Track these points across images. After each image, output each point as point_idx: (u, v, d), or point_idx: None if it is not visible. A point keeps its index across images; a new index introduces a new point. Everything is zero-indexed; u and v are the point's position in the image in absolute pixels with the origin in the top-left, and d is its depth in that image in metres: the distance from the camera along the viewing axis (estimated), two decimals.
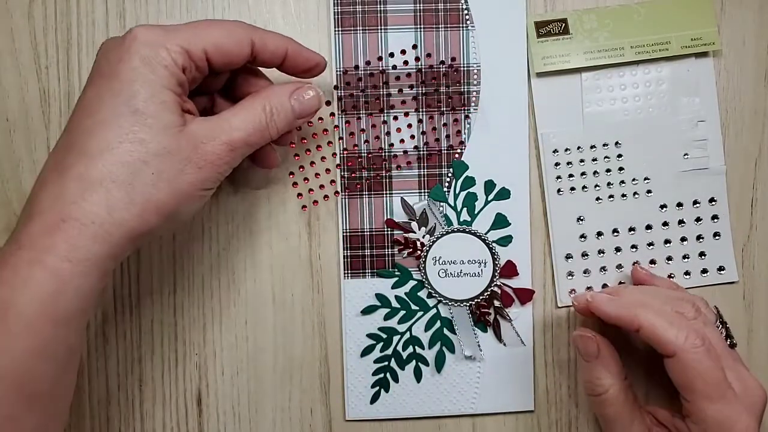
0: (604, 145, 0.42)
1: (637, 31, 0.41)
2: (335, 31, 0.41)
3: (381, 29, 0.41)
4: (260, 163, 0.39)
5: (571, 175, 0.42)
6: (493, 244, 0.42)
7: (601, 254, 0.42)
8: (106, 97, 0.31)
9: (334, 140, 0.42)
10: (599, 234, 0.42)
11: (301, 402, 0.43)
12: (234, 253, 0.42)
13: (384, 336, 0.42)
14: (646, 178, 0.42)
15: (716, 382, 0.34)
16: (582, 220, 0.42)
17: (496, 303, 0.42)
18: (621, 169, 0.42)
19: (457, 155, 0.42)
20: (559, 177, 0.42)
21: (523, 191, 0.42)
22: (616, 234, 0.42)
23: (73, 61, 0.41)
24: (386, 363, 0.42)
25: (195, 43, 0.32)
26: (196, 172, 0.32)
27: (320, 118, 0.41)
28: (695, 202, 0.42)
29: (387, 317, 0.42)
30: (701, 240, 0.42)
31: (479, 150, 0.42)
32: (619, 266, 0.42)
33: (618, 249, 0.42)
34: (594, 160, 0.42)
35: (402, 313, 0.42)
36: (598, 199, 0.42)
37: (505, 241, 0.42)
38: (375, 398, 0.42)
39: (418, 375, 0.42)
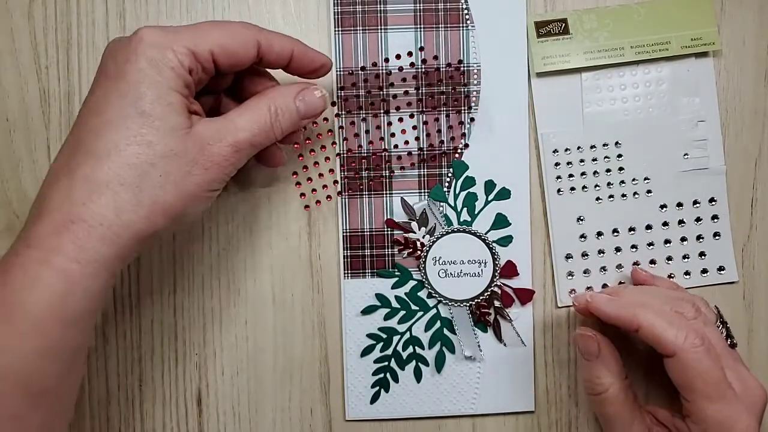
0: (604, 145, 0.42)
1: (637, 31, 0.41)
2: (335, 31, 0.41)
3: (381, 29, 0.41)
4: (266, 162, 0.39)
5: (571, 175, 0.42)
6: (493, 244, 0.42)
7: (601, 254, 0.42)
8: (113, 98, 0.31)
9: (338, 141, 0.42)
10: (599, 234, 0.42)
11: (301, 402, 0.43)
12: (234, 253, 0.42)
13: (384, 336, 0.42)
14: (646, 178, 0.42)
15: (716, 382, 0.34)
16: (582, 220, 0.42)
17: (497, 303, 0.42)
18: (621, 169, 0.42)
19: (457, 155, 0.42)
20: (559, 177, 0.42)
21: (523, 191, 0.42)
22: (616, 234, 0.42)
23: (73, 61, 0.41)
24: (386, 363, 0.42)
25: (201, 45, 0.32)
26: (202, 173, 0.32)
27: (325, 119, 0.41)
28: (695, 202, 0.42)
29: (387, 317, 0.42)
30: (701, 240, 0.42)
31: (479, 150, 0.42)
32: (619, 266, 0.42)
33: (618, 249, 0.42)
34: (594, 160, 0.42)
35: (402, 313, 0.42)
36: (598, 199, 0.42)
37: (506, 241, 0.42)
38: (375, 398, 0.42)
39: (418, 375, 0.42)
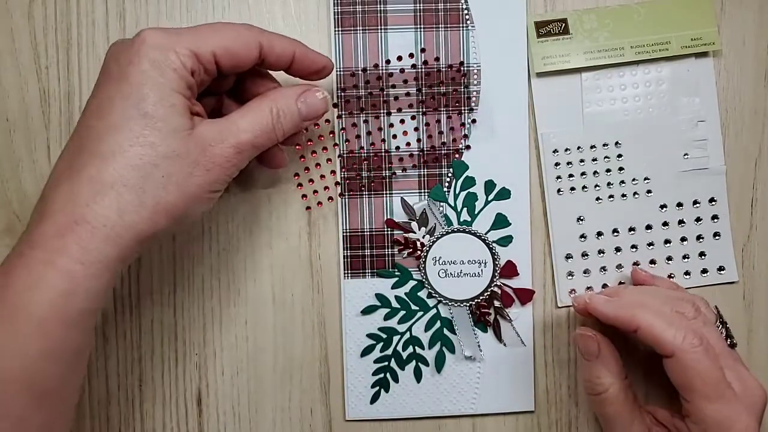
0: (604, 145, 0.42)
1: (637, 31, 0.41)
2: (335, 31, 0.41)
3: (381, 29, 0.41)
4: (267, 164, 0.39)
5: (571, 175, 0.42)
6: (494, 244, 0.42)
7: (601, 254, 0.42)
8: (117, 99, 0.31)
9: (340, 142, 0.42)
10: (599, 234, 0.42)
11: (301, 402, 0.43)
12: (234, 253, 0.42)
13: (384, 336, 0.42)
14: (646, 178, 0.42)
15: (715, 382, 0.34)
16: (582, 220, 0.42)
17: (496, 303, 0.42)
18: (621, 169, 0.42)
19: (457, 155, 0.42)
20: (559, 177, 0.42)
21: (523, 191, 0.42)
22: (616, 234, 0.42)
23: (73, 61, 0.41)
24: (386, 363, 0.42)
25: (204, 46, 0.33)
26: (204, 174, 0.33)
27: (327, 120, 0.41)
28: (695, 202, 0.42)
29: (387, 317, 0.42)
30: (701, 240, 0.42)
31: (479, 150, 0.42)
32: (619, 266, 0.42)
33: (618, 249, 0.42)
34: (594, 160, 0.42)
35: (402, 313, 0.42)
36: (598, 199, 0.42)
37: (506, 241, 0.42)
38: (375, 398, 0.42)
39: (418, 375, 0.42)
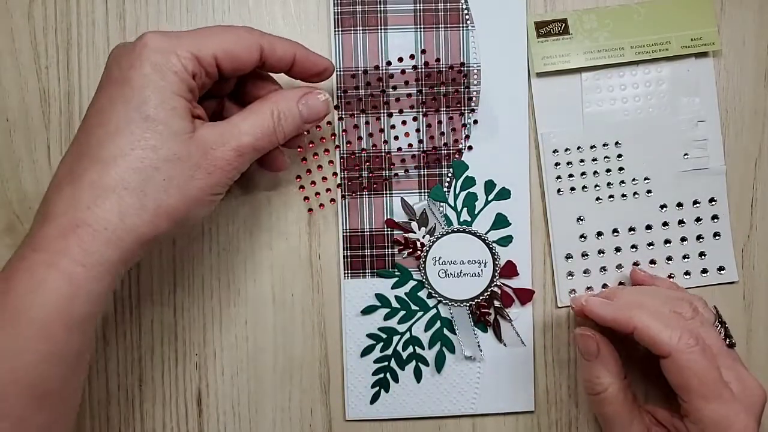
0: (604, 145, 0.42)
1: (637, 31, 0.41)
2: (335, 31, 0.41)
3: (381, 29, 0.41)
4: (268, 167, 0.39)
5: (571, 175, 0.42)
6: (494, 244, 0.42)
7: (601, 254, 0.42)
8: (118, 103, 0.31)
9: (340, 142, 0.42)
10: (599, 234, 0.42)
11: (301, 402, 0.43)
12: (234, 253, 0.42)
13: (384, 336, 0.42)
14: (646, 178, 0.42)
15: (712, 382, 0.34)
16: (582, 220, 0.42)
17: (496, 303, 0.42)
18: (621, 169, 0.42)
19: (457, 155, 0.42)
20: (559, 177, 0.42)
21: (523, 191, 0.42)
22: (616, 234, 0.42)
23: (73, 61, 0.41)
24: (386, 363, 0.42)
25: (205, 50, 0.33)
26: (205, 177, 0.33)
27: (328, 122, 0.41)
28: (695, 202, 0.42)
29: (387, 317, 0.42)
30: (701, 240, 0.42)
31: (479, 150, 0.42)
32: (619, 266, 0.42)
33: (618, 249, 0.42)
34: (594, 160, 0.42)
35: (402, 313, 0.42)
36: (598, 199, 0.42)
37: (506, 241, 0.42)
38: (375, 398, 0.42)
39: (418, 375, 0.42)
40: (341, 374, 0.42)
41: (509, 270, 0.42)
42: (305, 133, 0.40)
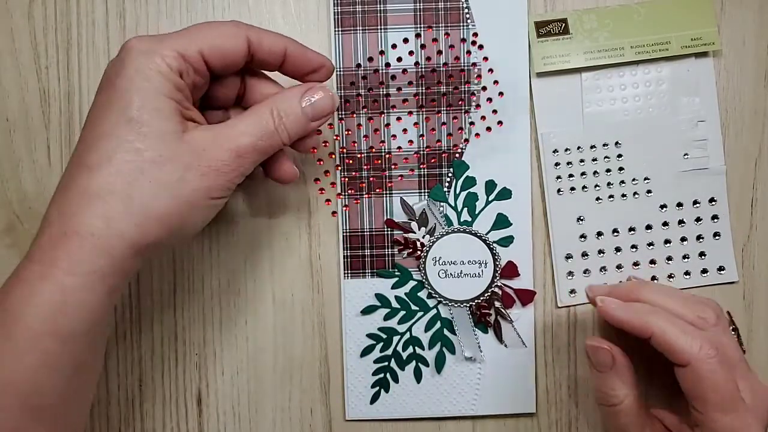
0: (604, 145, 0.42)
1: (637, 31, 0.41)
2: (335, 31, 0.41)
3: (381, 29, 0.41)
4: (277, 177, 0.38)
5: (571, 175, 0.42)
6: (494, 245, 0.42)
7: (601, 254, 0.42)
8: (104, 109, 0.31)
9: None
10: (599, 234, 0.42)
11: (301, 402, 0.43)
12: (234, 253, 0.42)
13: (384, 336, 0.42)
14: (646, 178, 0.42)
15: (729, 395, 0.33)
16: (582, 220, 0.42)
17: (497, 304, 0.42)
18: (621, 169, 0.42)
19: (457, 155, 0.42)
20: (559, 177, 0.42)
21: (524, 191, 0.42)
22: (616, 234, 0.42)
23: (73, 61, 0.41)
24: (386, 363, 0.42)
25: (189, 46, 0.32)
26: (198, 179, 0.32)
27: (330, 124, 0.41)
28: (695, 202, 0.42)
29: (387, 317, 0.42)
30: (701, 240, 0.42)
31: (480, 150, 0.42)
32: (619, 266, 0.42)
33: (618, 249, 0.42)
34: (594, 160, 0.42)
35: (402, 313, 0.42)
36: (598, 199, 0.42)
37: (506, 241, 0.42)
38: (375, 398, 0.42)
39: (418, 375, 0.42)
40: (341, 374, 0.42)
41: (510, 270, 0.42)
42: (317, 133, 0.40)
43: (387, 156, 0.42)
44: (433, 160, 0.42)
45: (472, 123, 0.42)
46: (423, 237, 0.42)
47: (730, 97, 0.42)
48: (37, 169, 0.41)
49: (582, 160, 0.42)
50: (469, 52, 0.41)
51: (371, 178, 0.42)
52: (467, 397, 0.42)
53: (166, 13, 0.42)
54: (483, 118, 0.42)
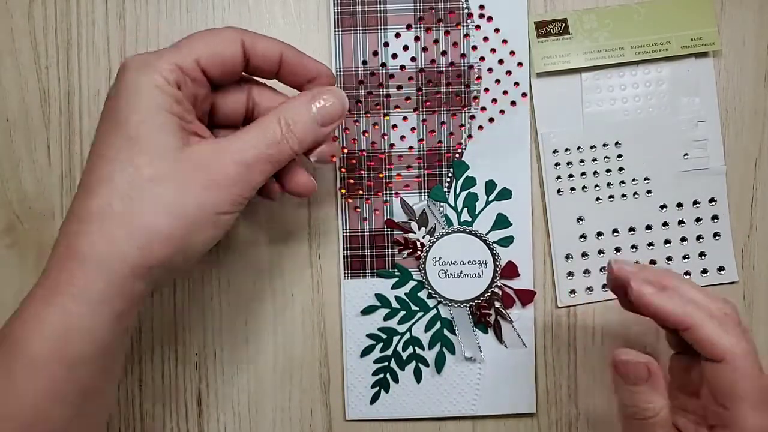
0: (604, 145, 0.42)
1: (637, 31, 0.41)
2: (335, 31, 0.41)
3: (381, 29, 0.41)
4: (291, 189, 0.36)
5: (571, 175, 0.42)
6: (494, 245, 0.42)
7: (601, 254, 0.42)
8: (105, 131, 0.31)
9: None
10: (599, 234, 0.42)
11: (301, 402, 0.43)
12: (234, 253, 0.42)
13: (384, 336, 0.42)
14: (646, 178, 0.42)
15: (762, 390, 0.31)
16: (582, 220, 0.42)
17: (497, 304, 0.42)
18: (621, 169, 0.42)
19: (457, 155, 0.42)
20: (559, 177, 0.42)
21: (524, 192, 0.42)
22: (616, 234, 0.42)
23: (73, 61, 0.41)
24: (386, 363, 0.42)
25: (184, 56, 0.31)
26: (201, 195, 0.30)
27: (356, 121, 0.41)
28: (695, 202, 0.42)
29: (387, 317, 0.42)
30: (701, 240, 0.42)
31: (480, 150, 0.42)
32: None
33: (618, 249, 0.42)
34: (594, 160, 0.42)
35: (402, 313, 0.42)
36: (598, 199, 0.42)
37: (506, 241, 0.42)
38: (375, 398, 0.42)
39: (418, 376, 0.42)
40: (341, 374, 0.42)
41: (510, 271, 0.42)
42: (333, 139, 0.38)
43: (387, 155, 0.42)
44: (432, 160, 0.42)
45: (473, 122, 0.41)
46: (423, 237, 0.42)
47: (730, 97, 0.42)
48: (37, 169, 0.41)
49: (582, 160, 0.42)
50: (468, 52, 0.41)
51: (370, 182, 0.42)
52: (467, 397, 0.42)
53: (166, 13, 0.42)
54: (481, 119, 0.42)
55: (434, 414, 0.42)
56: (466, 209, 0.42)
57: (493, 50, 0.41)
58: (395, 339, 0.42)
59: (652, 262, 0.42)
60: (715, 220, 0.42)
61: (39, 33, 0.41)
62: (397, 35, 0.41)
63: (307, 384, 0.43)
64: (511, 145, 0.42)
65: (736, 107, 0.42)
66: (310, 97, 0.34)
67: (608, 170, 0.42)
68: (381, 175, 0.42)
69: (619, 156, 0.42)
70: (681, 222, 0.42)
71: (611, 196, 0.42)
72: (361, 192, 0.42)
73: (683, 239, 0.42)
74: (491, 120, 0.42)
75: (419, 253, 0.42)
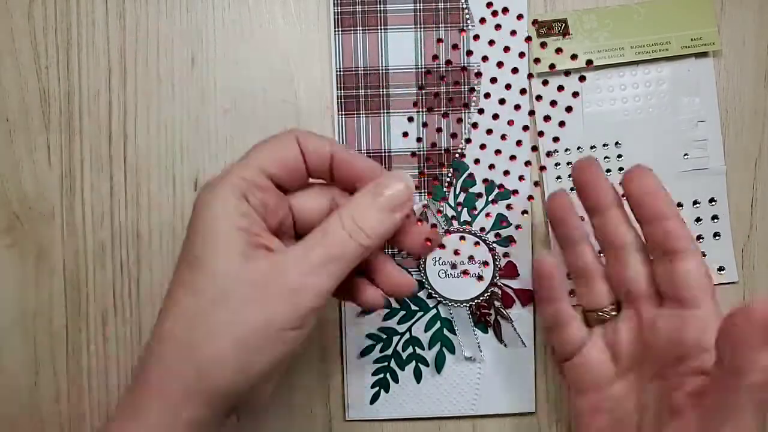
0: (604, 145, 0.42)
1: (637, 31, 0.41)
2: (335, 31, 0.41)
3: (381, 29, 0.41)
4: (386, 290, 0.35)
5: (571, 176, 0.42)
6: (494, 245, 0.42)
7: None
8: (180, 257, 0.31)
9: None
10: None
11: (300, 402, 0.43)
12: None
13: (384, 336, 0.42)
14: None
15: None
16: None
17: (497, 304, 0.42)
18: (621, 169, 0.42)
19: (457, 155, 0.42)
20: (559, 177, 0.42)
21: (524, 192, 0.42)
22: None
23: (73, 61, 0.41)
24: (386, 363, 0.42)
25: (247, 166, 0.31)
26: (257, 314, 0.29)
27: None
28: (695, 202, 0.42)
29: (386, 317, 0.42)
30: (701, 240, 0.42)
31: (480, 150, 0.42)
32: None
33: None
34: None
35: (402, 313, 0.42)
36: None
37: (506, 241, 0.42)
38: (375, 398, 0.42)
39: (417, 376, 0.42)
40: (341, 374, 0.42)
41: (510, 271, 0.42)
42: (418, 223, 0.36)
43: (387, 156, 0.42)
44: (432, 160, 0.42)
45: (473, 122, 0.42)
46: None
47: (730, 97, 0.42)
48: (37, 169, 0.41)
49: None
50: (470, 50, 0.41)
51: None
52: (467, 397, 0.42)
53: (166, 13, 0.42)
54: (481, 119, 0.42)
55: (434, 414, 0.42)
56: (465, 209, 0.42)
57: (493, 50, 0.41)
58: (395, 339, 0.42)
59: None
60: (715, 220, 0.42)
61: (39, 33, 0.41)
62: (398, 35, 0.41)
63: (307, 384, 0.43)
64: (511, 145, 0.42)
65: (736, 107, 0.42)
66: (370, 186, 0.32)
67: (608, 170, 0.42)
68: None
69: (619, 156, 0.42)
70: None
71: None
72: None
73: None
74: (491, 120, 0.42)
75: None
